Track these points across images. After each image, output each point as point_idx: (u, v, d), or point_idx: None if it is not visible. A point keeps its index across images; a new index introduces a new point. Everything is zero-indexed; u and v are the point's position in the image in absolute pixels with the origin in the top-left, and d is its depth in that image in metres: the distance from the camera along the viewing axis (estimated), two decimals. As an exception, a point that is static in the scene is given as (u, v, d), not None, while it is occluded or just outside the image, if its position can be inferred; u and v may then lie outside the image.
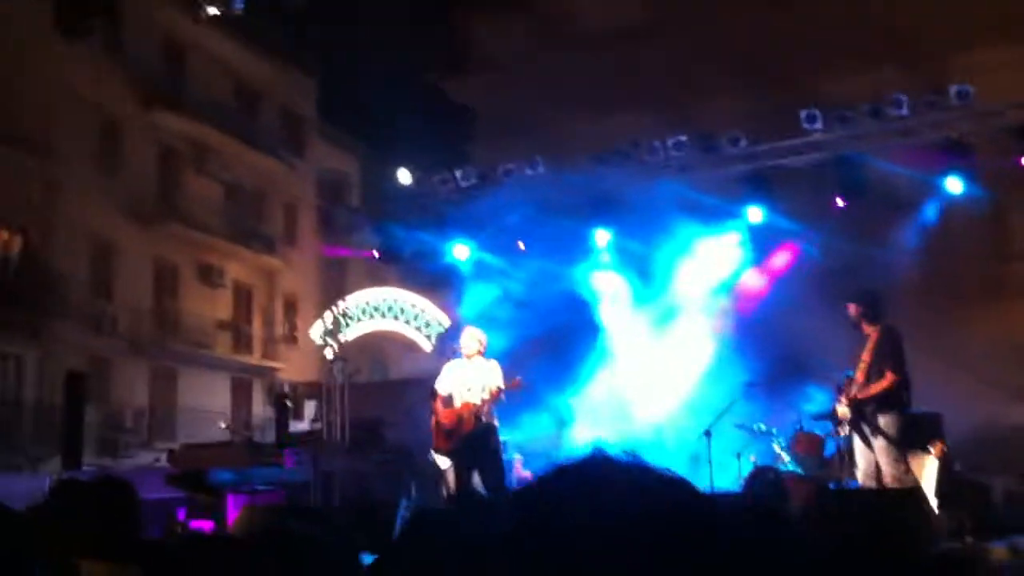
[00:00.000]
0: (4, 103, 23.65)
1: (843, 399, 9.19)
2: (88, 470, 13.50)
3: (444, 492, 11.29)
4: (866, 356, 9.10)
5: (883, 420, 9.04)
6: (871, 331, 9.23)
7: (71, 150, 25.51)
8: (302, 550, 2.55)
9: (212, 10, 11.95)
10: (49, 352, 24.03)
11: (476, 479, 10.55)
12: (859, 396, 8.98)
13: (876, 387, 8.96)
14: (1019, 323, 18.97)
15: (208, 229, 29.98)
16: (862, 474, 9.12)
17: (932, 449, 10.57)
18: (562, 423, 15.63)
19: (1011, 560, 6.96)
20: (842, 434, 9.49)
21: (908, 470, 9.12)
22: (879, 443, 9.00)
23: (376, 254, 17.74)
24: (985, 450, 13.65)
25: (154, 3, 27.53)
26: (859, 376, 9.12)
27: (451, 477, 11.28)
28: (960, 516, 9.79)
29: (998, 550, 7.40)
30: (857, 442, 9.18)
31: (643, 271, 16.29)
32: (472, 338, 10.91)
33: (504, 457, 11.18)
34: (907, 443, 10.72)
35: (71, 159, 25.49)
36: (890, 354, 9.09)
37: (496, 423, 10.80)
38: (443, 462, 11.48)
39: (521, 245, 16.59)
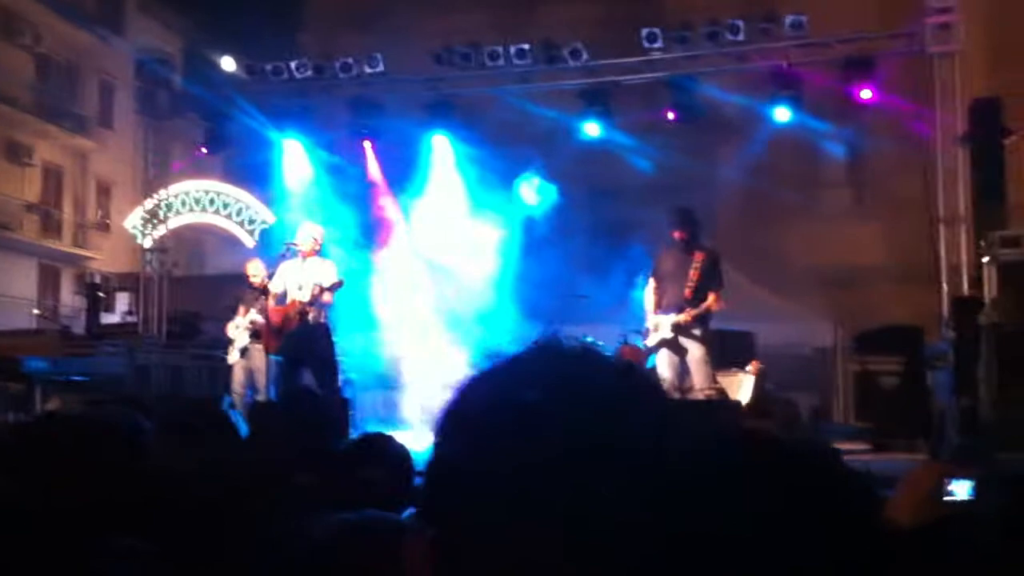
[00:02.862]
0: None
1: (659, 312, 9.49)
2: None
3: (236, 389, 11.23)
4: (694, 275, 9.41)
5: (702, 335, 9.42)
6: (697, 252, 9.55)
7: None
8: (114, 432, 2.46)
9: None
10: None
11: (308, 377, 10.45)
12: (690, 315, 9.27)
13: (705, 306, 9.29)
14: (829, 248, 19.96)
15: (15, 103, 28.22)
16: (668, 385, 9.47)
17: (749, 368, 11.05)
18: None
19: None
20: (648, 344, 9.77)
21: (717, 385, 9.54)
22: (695, 355, 9.36)
23: (204, 150, 17.01)
24: (791, 368, 14.39)
25: None
26: (687, 293, 9.41)
27: (239, 375, 11.23)
28: (770, 431, 10.28)
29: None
30: (665, 354, 9.51)
31: (479, 178, 16.25)
32: (308, 235, 10.70)
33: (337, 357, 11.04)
34: (722, 360, 11.24)
35: None
36: (716, 276, 9.52)
37: (325, 321, 10.68)
38: (231, 357, 11.39)
39: (368, 146, 16.21)
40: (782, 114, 14.39)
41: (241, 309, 11.52)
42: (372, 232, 16.42)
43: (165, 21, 35.26)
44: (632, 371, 1.17)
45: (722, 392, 9.62)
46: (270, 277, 11.05)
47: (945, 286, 12.15)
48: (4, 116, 27.82)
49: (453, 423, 1.12)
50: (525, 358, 1.15)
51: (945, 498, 2.77)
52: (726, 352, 11.27)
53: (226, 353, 11.69)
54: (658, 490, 1.06)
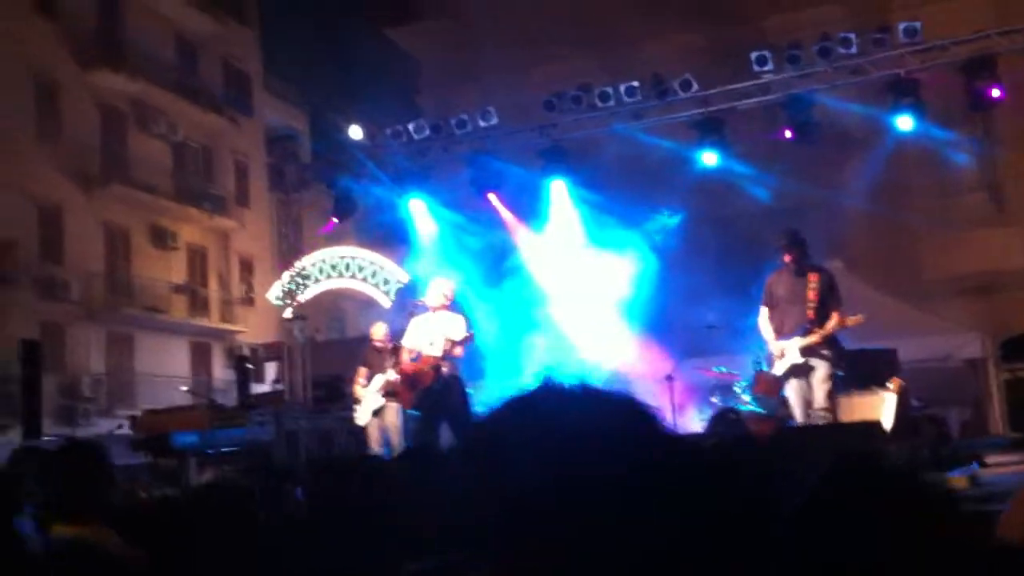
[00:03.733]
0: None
1: (780, 338, 9.32)
2: (50, 439, 13.40)
3: (373, 448, 11.44)
4: (812, 295, 9.23)
5: (830, 355, 9.23)
6: (811, 272, 9.39)
7: (7, 114, 24.96)
8: (254, 503, 2.56)
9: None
10: (1, 320, 23.67)
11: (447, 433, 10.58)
12: (819, 335, 9.11)
13: (833, 325, 9.12)
14: (966, 256, 19.27)
15: (156, 190, 29.51)
16: (798, 411, 9.31)
17: (890, 385, 10.74)
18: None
19: (970, 489, 7.12)
20: (777, 372, 9.59)
21: (836, 405, 9.30)
22: (820, 374, 9.17)
23: (335, 220, 17.57)
24: (938, 383, 13.91)
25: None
26: (810, 314, 9.24)
27: (374, 433, 11.44)
28: (918, 450, 9.99)
29: (958, 479, 7.56)
30: (794, 381, 9.33)
31: (599, 220, 16.31)
32: (437, 291, 10.87)
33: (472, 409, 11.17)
34: (863, 379, 10.96)
35: (7, 123, 24.95)
36: (835, 295, 9.33)
37: (457, 374, 10.81)
38: (361, 418, 11.62)
39: (494, 199, 16.45)
40: (904, 123, 14.07)
41: (362, 371, 11.80)
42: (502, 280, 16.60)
43: (290, 98, 36.53)
44: (631, 408, 1.19)
45: (831, 413, 9.32)
46: (393, 339, 11.30)
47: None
48: (146, 203, 29.09)
49: (460, 460, 1.20)
50: (524, 399, 1.19)
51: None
52: (866, 371, 10.98)
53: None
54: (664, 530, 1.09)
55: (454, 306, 10.97)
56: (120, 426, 14.08)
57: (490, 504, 1.11)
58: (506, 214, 16.86)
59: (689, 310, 14.26)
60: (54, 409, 22.28)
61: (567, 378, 1.21)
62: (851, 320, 9.24)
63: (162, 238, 29.54)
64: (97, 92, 28.21)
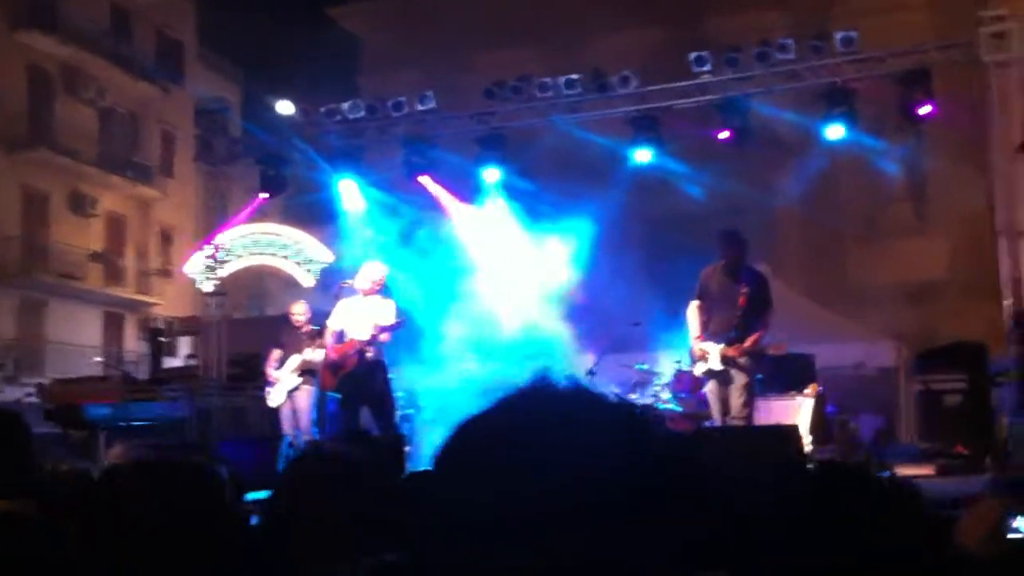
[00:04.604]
0: None
1: (705, 337, 9.32)
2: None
3: (287, 429, 11.32)
4: (742, 302, 9.22)
5: (746, 361, 9.26)
6: (745, 277, 9.39)
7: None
8: (182, 478, 2.44)
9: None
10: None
11: (367, 416, 10.47)
12: (739, 350, 9.11)
13: (751, 344, 9.13)
14: (890, 265, 19.60)
15: (80, 156, 28.86)
16: (716, 412, 9.37)
17: (807, 390, 10.86)
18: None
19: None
20: (696, 373, 9.62)
21: (752, 411, 9.35)
22: (738, 383, 9.20)
23: (263, 196, 17.25)
24: (853, 390, 14.12)
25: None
26: (735, 322, 9.24)
27: (287, 414, 11.31)
28: (832, 454, 10.11)
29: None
30: (713, 384, 9.37)
31: (531, 210, 16.25)
32: (368, 275, 10.71)
33: (394, 395, 11.06)
34: (781, 383, 11.06)
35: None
36: (765, 306, 9.32)
37: (382, 359, 10.69)
38: (274, 399, 11.48)
39: (426, 181, 16.27)
40: (835, 131, 14.21)
41: (275, 353, 11.63)
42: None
43: (223, 70, 35.92)
44: (624, 409, 1.20)
45: (748, 420, 9.37)
46: (314, 319, 11.14)
47: (1008, 300, 11.86)
48: (68, 169, 28.45)
49: (449, 461, 1.17)
50: (518, 398, 1.18)
51: (1009, 534, 2.73)
52: (785, 375, 11.09)
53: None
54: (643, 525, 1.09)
55: (384, 291, 10.84)
56: (29, 394, 13.68)
57: (485, 507, 1.09)
58: (438, 192, 16.70)
59: (615, 305, 14.27)
60: (-41, 373, 21.65)
61: (558, 377, 1.19)
62: (773, 348, 9.30)
63: (81, 205, 28.92)
64: (26, 54, 27.52)
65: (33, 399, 12.65)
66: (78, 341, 26.69)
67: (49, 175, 27.95)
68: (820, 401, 10.99)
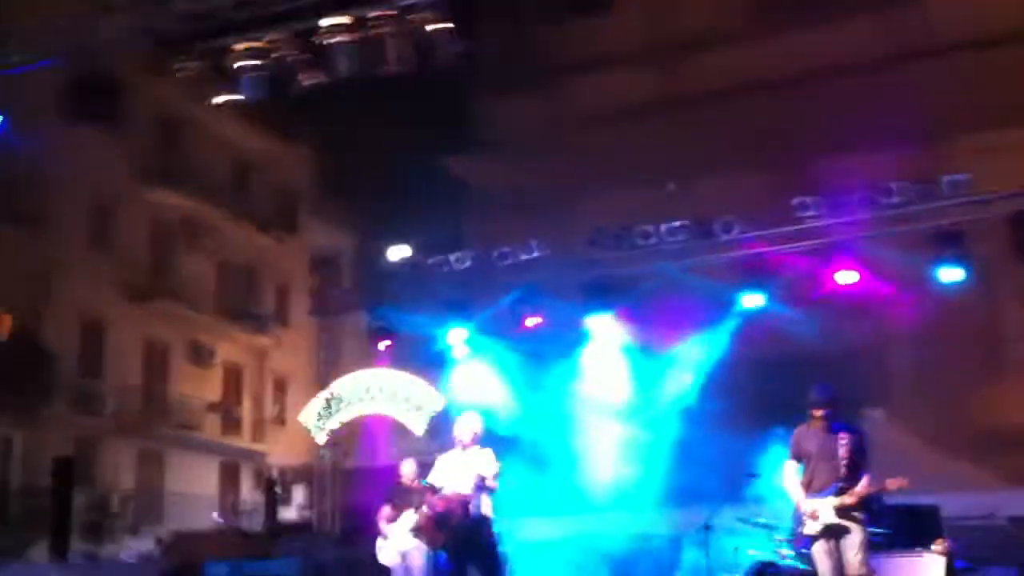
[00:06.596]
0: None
1: (810, 496, 9.00)
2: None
3: None
4: (845, 453, 8.93)
5: (861, 515, 8.92)
6: (842, 430, 9.11)
7: (64, 227, 25.43)
8: None
9: (218, 99, 11.69)
10: (37, 433, 23.73)
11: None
12: (855, 496, 8.81)
13: (863, 488, 8.82)
14: (1016, 404, 18.84)
15: (200, 307, 29.77)
16: (828, 572, 8.95)
17: (935, 546, 10.35)
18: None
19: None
20: (808, 532, 9.23)
21: (871, 572, 8.93)
22: (856, 539, 8.82)
23: (376, 343, 17.59)
24: (988, 542, 13.43)
25: (152, 80, 27.63)
26: (843, 472, 8.94)
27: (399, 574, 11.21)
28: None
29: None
30: (822, 542, 8.99)
31: (638, 353, 16.24)
32: (465, 426, 10.64)
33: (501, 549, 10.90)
34: (905, 539, 10.57)
35: (64, 236, 25.40)
36: (865, 457, 9.03)
37: (488, 514, 10.54)
38: (386, 557, 11.38)
39: (535, 321, 16.39)
40: (951, 274, 14.00)
41: (387, 510, 11.62)
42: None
43: (337, 217, 37.03)
44: None
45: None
46: (421, 475, 11.12)
47: None
48: (189, 319, 29.33)
49: None
50: None
51: None
52: (908, 531, 10.61)
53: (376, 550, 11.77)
54: None
55: (482, 441, 10.75)
56: (151, 550, 13.97)
57: None
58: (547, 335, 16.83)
59: (725, 455, 13.98)
60: (81, 524, 22.11)
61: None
62: (892, 483, 8.91)
63: (200, 355, 29.67)
64: (152, 209, 28.68)
65: (154, 553, 12.92)
66: (195, 491, 27.06)
67: (170, 326, 28.81)
68: (951, 557, 10.44)
